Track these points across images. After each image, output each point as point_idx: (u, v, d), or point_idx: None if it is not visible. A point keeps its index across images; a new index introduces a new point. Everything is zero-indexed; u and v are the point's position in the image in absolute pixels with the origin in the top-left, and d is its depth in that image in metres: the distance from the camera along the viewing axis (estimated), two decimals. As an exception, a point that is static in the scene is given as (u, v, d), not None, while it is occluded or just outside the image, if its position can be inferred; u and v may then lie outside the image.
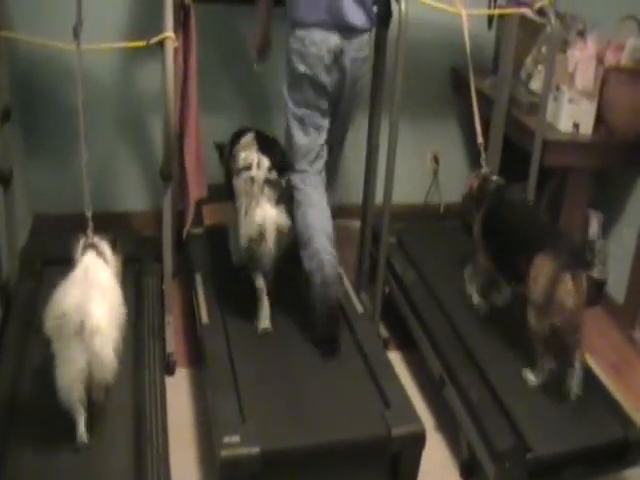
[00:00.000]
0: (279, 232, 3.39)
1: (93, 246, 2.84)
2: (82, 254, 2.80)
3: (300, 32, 3.40)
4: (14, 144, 3.69)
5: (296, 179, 3.58)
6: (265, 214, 3.36)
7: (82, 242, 2.86)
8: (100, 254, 2.84)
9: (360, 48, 3.50)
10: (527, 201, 3.83)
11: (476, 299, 3.68)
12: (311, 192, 3.59)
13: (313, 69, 3.41)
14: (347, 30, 3.41)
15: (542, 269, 3.05)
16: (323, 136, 3.60)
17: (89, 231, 2.88)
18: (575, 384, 3.11)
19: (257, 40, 3.75)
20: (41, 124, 4.26)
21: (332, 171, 3.83)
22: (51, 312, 2.62)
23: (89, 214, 2.92)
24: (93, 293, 2.61)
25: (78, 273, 2.71)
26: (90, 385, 2.66)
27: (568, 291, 2.97)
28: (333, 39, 3.38)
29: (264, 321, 3.49)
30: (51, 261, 3.60)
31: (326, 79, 3.45)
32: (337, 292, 3.47)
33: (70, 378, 2.58)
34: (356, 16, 3.41)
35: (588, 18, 4.12)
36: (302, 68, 3.43)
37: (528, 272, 3.12)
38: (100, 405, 2.79)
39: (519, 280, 3.23)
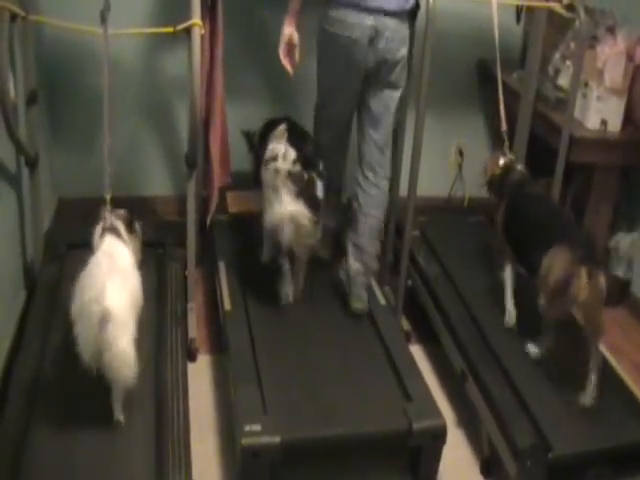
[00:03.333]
0: (297, 225, 3.38)
1: (111, 230, 2.85)
2: (101, 238, 2.81)
3: (333, 13, 3.36)
4: (40, 127, 3.69)
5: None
6: (283, 208, 3.37)
7: (100, 226, 2.87)
8: (118, 236, 2.85)
9: (396, 29, 3.42)
10: (550, 194, 3.82)
11: (510, 314, 3.59)
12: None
13: (347, 52, 3.38)
14: (382, 12, 3.35)
15: (557, 260, 3.04)
16: (350, 120, 3.65)
17: (107, 214, 2.89)
18: (589, 394, 3.08)
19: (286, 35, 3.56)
20: (67, 108, 4.26)
21: (380, 167, 3.76)
22: (75, 300, 2.62)
23: (108, 197, 2.93)
24: (113, 279, 2.60)
25: (98, 259, 2.71)
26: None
27: (583, 286, 2.96)
28: (367, 20, 3.33)
29: (284, 288, 3.59)
30: (75, 244, 3.58)
31: (361, 62, 3.41)
32: None
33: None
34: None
35: (618, 13, 4.08)
36: (335, 51, 3.41)
37: (542, 262, 3.12)
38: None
39: (536, 270, 3.23)
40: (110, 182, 2.95)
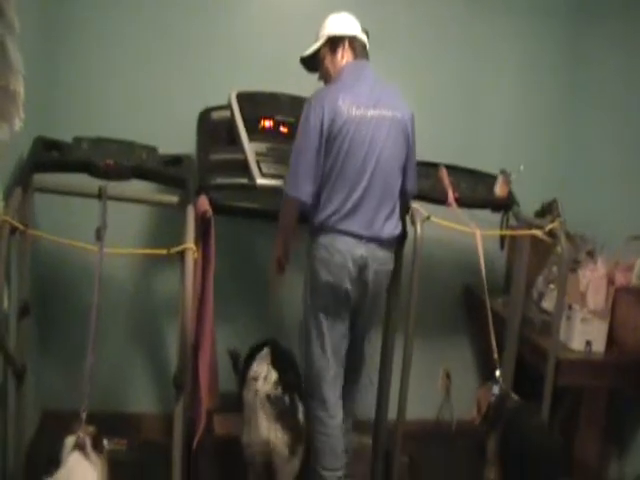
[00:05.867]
0: (273, 452, 3.37)
1: (80, 447, 2.80)
2: (69, 454, 2.77)
3: (326, 239, 3.46)
4: (30, 339, 3.70)
5: (316, 408, 3.57)
6: (260, 432, 3.37)
7: (70, 441, 2.82)
8: (86, 455, 2.79)
9: (384, 262, 3.55)
10: (544, 423, 3.78)
11: None
12: (330, 423, 3.57)
13: (337, 277, 3.45)
14: (374, 241, 3.48)
15: None
16: (343, 351, 3.61)
17: (78, 431, 2.84)
18: None
19: (278, 252, 3.75)
20: (57, 320, 4.28)
21: (356, 385, 3.81)
22: None
23: (83, 415, 2.90)
24: None
25: (61, 476, 2.67)
26: None
27: None
28: (359, 249, 3.44)
29: None
30: (57, 458, 3.50)
31: (350, 288, 3.47)
32: None
33: None
34: (386, 228, 3.51)
35: (597, 238, 4.22)
36: (326, 276, 3.46)
37: None
38: None
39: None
40: (87, 400, 2.93)
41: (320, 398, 3.56)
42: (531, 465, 3.29)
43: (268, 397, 3.40)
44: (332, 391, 3.58)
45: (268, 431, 3.35)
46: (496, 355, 3.63)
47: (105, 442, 2.95)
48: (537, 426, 3.54)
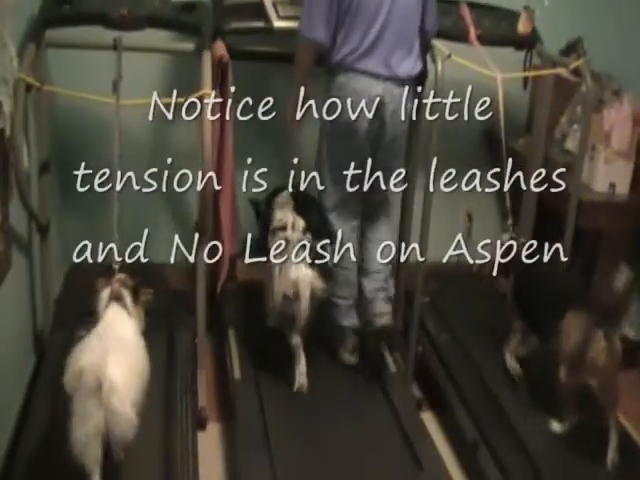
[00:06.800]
0: (313, 292, 3.36)
1: (117, 298, 2.83)
2: (106, 307, 2.79)
3: (342, 79, 3.39)
4: (51, 195, 3.72)
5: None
6: (300, 273, 3.35)
7: (106, 293, 2.84)
8: (124, 305, 2.83)
9: (401, 100, 3.46)
10: (557, 259, 3.80)
11: (509, 362, 3.63)
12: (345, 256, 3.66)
13: (353, 117, 3.40)
14: (390, 79, 3.39)
15: (574, 326, 3.02)
16: (356, 190, 3.61)
17: (114, 282, 2.87)
18: (611, 451, 3.03)
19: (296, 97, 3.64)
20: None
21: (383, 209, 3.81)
22: (70, 367, 2.56)
23: (116, 266, 2.94)
24: (113, 350, 2.54)
25: (100, 328, 2.69)
26: (108, 443, 2.53)
27: (601, 349, 2.93)
28: (376, 88, 3.37)
29: (300, 377, 3.47)
30: (85, 312, 3.56)
31: (366, 128, 3.42)
32: None
33: (85, 435, 2.47)
34: (404, 66, 3.42)
35: (623, 77, 4.11)
36: (342, 116, 3.42)
37: (559, 329, 3.09)
38: (120, 463, 2.66)
39: (551, 337, 3.20)
40: (118, 251, 2.98)
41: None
42: (542, 296, 3.34)
43: (301, 244, 3.40)
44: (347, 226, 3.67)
45: (303, 275, 3.36)
46: (508, 203, 3.63)
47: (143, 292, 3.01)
48: (551, 266, 3.57)
